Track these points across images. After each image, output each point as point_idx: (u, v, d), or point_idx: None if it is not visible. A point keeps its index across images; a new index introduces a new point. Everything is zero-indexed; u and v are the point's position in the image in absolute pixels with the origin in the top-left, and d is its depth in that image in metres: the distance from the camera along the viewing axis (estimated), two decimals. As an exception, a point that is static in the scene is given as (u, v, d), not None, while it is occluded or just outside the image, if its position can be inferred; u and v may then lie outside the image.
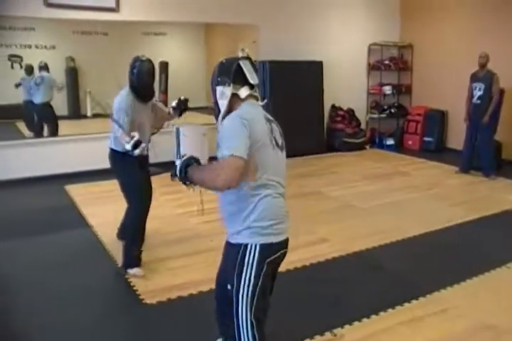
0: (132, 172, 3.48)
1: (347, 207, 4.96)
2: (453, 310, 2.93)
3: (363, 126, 8.33)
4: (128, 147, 3.18)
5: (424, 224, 4.39)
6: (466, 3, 7.44)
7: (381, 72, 8.32)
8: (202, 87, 8.93)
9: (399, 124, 8.54)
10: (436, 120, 7.90)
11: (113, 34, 8.91)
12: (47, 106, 7.16)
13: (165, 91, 9.01)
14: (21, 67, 7.87)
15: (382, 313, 2.87)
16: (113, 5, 6.20)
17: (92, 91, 8.91)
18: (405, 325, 2.76)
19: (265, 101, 2.21)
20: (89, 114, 8.97)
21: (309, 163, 7.02)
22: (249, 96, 2.06)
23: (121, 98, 3.37)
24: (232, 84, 2.03)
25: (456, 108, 7.27)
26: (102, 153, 6.23)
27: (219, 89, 2.06)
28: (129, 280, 3.33)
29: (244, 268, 1.98)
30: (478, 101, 6.09)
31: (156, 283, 3.28)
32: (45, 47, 8.70)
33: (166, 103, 8.71)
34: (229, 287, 2.05)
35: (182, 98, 3.73)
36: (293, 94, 7.27)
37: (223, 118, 2.03)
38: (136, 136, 3.19)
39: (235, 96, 2.04)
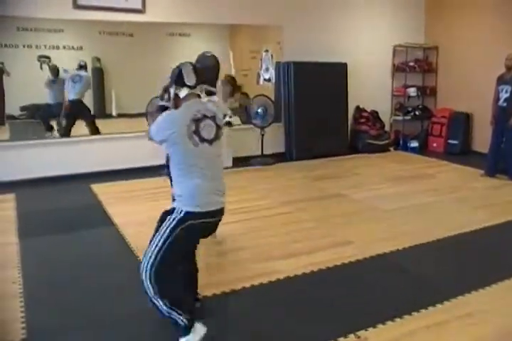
0: None
1: (370, 209, 4.94)
2: (478, 314, 2.90)
3: (387, 128, 8.28)
4: None
5: (449, 227, 4.34)
6: (492, 4, 7.34)
7: (406, 73, 8.25)
8: (225, 87, 8.97)
9: (423, 126, 8.46)
10: (462, 122, 7.80)
11: (138, 35, 8.98)
12: (81, 103, 7.35)
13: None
14: (49, 67, 8.02)
15: (406, 316, 2.85)
16: (139, 6, 6.30)
17: (117, 91, 9.01)
18: (430, 328, 2.74)
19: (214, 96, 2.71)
20: (114, 113, 9.07)
21: (332, 165, 7.00)
22: (190, 95, 2.53)
23: None
24: (174, 86, 2.54)
25: (481, 110, 7.17)
26: (127, 153, 6.42)
27: (169, 90, 2.57)
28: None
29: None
30: (505, 104, 6.00)
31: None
32: (73, 47, 8.81)
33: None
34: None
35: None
36: (317, 96, 7.27)
37: None
38: None
39: (177, 96, 2.54)
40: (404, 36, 8.27)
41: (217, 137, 2.56)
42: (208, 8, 6.70)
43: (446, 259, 3.75)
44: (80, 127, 7.34)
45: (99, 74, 8.69)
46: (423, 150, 8.04)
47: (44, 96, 7.52)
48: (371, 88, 8.07)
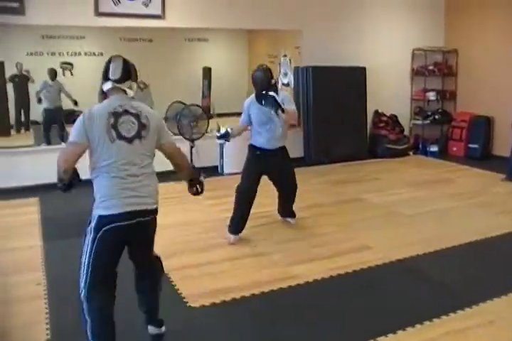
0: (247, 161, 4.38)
1: (390, 214, 4.92)
2: (500, 321, 2.87)
3: (406, 132, 8.23)
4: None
5: (470, 233, 4.31)
6: (514, 7, 7.28)
7: (425, 77, 8.20)
8: (244, 92, 9.02)
9: (443, 131, 8.39)
10: (482, 126, 7.72)
11: (157, 40, 9.12)
12: None
13: (208, 96, 9.17)
14: (71, 74, 8.17)
15: (427, 323, 2.84)
16: (159, 12, 6.37)
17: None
18: (451, 335, 2.73)
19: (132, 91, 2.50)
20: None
21: (351, 169, 6.99)
22: (114, 89, 2.43)
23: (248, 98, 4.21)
24: (101, 80, 2.46)
25: (502, 114, 7.10)
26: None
27: None
28: (173, 283, 3.41)
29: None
30: (527, 108, 5.94)
31: (199, 287, 3.34)
32: (94, 54, 8.99)
33: (208, 108, 8.88)
34: None
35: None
36: (336, 100, 7.27)
37: None
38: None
39: (101, 90, 2.47)
40: (424, 40, 8.23)
41: (139, 136, 2.39)
42: (226, 13, 6.75)
43: (467, 265, 3.72)
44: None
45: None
46: (443, 154, 7.97)
47: (67, 102, 7.61)
48: (390, 92, 8.04)
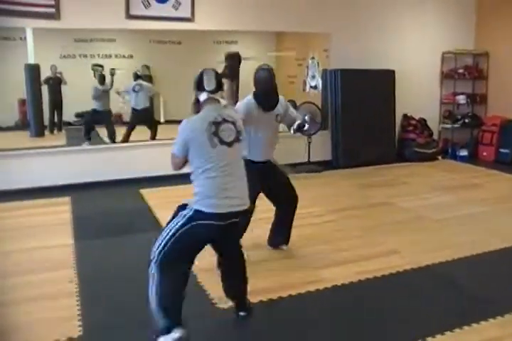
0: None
1: (418, 219, 4.88)
2: (533, 330, 2.82)
3: (435, 136, 8.14)
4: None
5: (500, 239, 4.25)
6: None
7: (455, 80, 8.09)
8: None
9: (473, 135, 8.27)
10: (514, 131, 7.59)
11: (186, 43, 9.21)
12: (148, 111, 7.79)
13: (236, 99, 9.20)
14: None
15: (457, 330, 2.80)
16: (188, 15, 6.43)
17: (165, 98, 9.23)
18: (483, 343, 2.70)
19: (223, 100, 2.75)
20: (162, 119, 9.28)
21: (379, 173, 6.94)
22: (209, 99, 2.66)
23: (244, 101, 3.64)
24: (195, 91, 2.71)
25: (535, 118, 6.96)
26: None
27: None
28: (201, 284, 3.44)
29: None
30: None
31: (228, 288, 3.36)
32: (124, 56, 9.12)
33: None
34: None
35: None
36: (364, 103, 7.24)
37: None
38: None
39: (197, 101, 2.70)
40: (454, 42, 8.13)
41: (237, 140, 2.66)
42: (255, 16, 6.78)
43: (498, 272, 3.66)
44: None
45: (148, 81, 8.94)
46: (472, 159, 7.85)
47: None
48: (419, 95, 7.96)
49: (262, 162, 3.73)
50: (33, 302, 3.19)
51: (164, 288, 2.57)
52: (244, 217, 2.79)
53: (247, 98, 3.67)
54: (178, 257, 2.60)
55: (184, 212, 2.60)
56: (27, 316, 3.01)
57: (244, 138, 2.75)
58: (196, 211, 2.56)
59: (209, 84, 2.65)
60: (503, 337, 2.77)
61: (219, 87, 2.69)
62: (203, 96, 2.67)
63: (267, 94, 3.62)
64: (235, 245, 2.93)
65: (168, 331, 2.58)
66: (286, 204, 3.99)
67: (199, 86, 2.68)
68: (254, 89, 3.68)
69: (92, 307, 3.12)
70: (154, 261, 2.59)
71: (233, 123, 2.66)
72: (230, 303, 3.12)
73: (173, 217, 2.68)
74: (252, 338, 2.84)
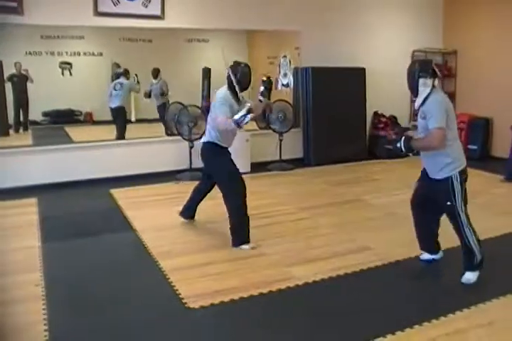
0: (230, 162, 4.06)
1: (389, 215, 4.92)
2: (500, 322, 2.86)
3: (405, 133, 8.23)
4: (241, 113, 3.72)
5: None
6: (514, 8, 7.28)
7: (424, 78, 8.19)
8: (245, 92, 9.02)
9: (442, 131, 8.38)
10: (481, 128, 7.72)
11: (157, 41, 9.11)
12: (119, 111, 7.69)
13: (208, 97, 9.14)
14: (71, 74, 8.17)
15: (426, 323, 2.83)
16: (158, 13, 6.36)
17: (136, 97, 9.12)
18: (450, 336, 2.72)
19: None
20: (133, 119, 9.17)
21: (351, 170, 6.99)
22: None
23: (225, 93, 3.95)
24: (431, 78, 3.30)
25: (501, 115, 7.10)
26: (145, 158, 6.47)
27: (422, 80, 3.30)
28: (172, 284, 3.40)
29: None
30: (526, 109, 5.94)
31: (198, 288, 3.33)
32: (93, 54, 8.98)
33: (208, 108, 8.85)
34: (448, 203, 3.34)
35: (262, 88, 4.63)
36: (335, 101, 7.27)
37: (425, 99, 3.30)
38: (249, 104, 3.83)
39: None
40: (423, 41, 8.24)
41: None
42: (226, 14, 6.74)
43: (466, 266, 3.71)
44: (94, 132, 7.44)
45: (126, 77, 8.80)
46: (442, 155, 7.95)
47: (66, 102, 7.65)
48: (390, 93, 8.03)
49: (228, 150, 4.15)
50: (-3, 307, 3.10)
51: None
52: None
53: (223, 90, 3.99)
54: None
55: (458, 180, 3.44)
56: (-10, 321, 2.93)
57: None
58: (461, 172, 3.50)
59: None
60: (470, 328, 2.81)
61: None
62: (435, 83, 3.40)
63: (248, 86, 4.05)
64: None
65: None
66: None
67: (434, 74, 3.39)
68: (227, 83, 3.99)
69: (60, 311, 3.04)
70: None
71: None
72: (200, 303, 3.10)
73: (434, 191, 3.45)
74: (223, 337, 2.81)
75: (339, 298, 3.22)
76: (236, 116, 3.76)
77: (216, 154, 4.10)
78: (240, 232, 4.01)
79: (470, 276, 3.36)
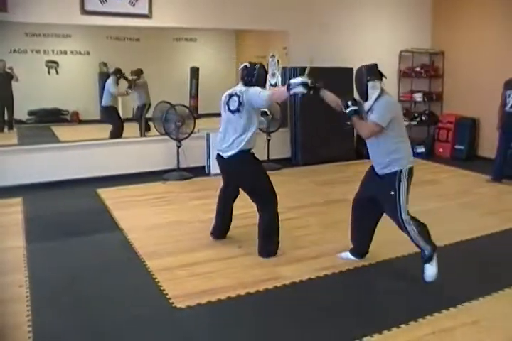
0: (264, 172, 3.96)
1: (376, 215, 4.92)
2: (484, 321, 2.88)
3: (392, 133, 8.26)
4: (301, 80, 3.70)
5: (455, 233, 4.33)
6: (499, 9, 7.34)
7: (412, 79, 8.25)
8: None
9: (430, 132, 8.45)
10: (468, 128, 7.78)
11: (145, 40, 9.08)
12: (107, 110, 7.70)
13: (195, 96, 9.12)
14: (57, 72, 8.09)
15: (412, 323, 2.84)
16: (146, 11, 6.33)
17: (123, 96, 9.07)
18: (436, 335, 2.73)
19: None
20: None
21: (338, 170, 7.00)
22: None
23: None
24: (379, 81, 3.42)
25: (488, 115, 7.15)
26: (132, 158, 6.43)
27: (371, 83, 3.38)
28: (159, 284, 3.38)
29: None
30: (512, 110, 5.99)
31: (185, 288, 3.31)
32: (80, 53, 8.92)
33: (196, 107, 8.83)
34: (392, 193, 3.31)
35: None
36: (323, 101, 7.25)
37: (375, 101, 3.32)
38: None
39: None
40: (411, 41, 8.28)
41: None
42: (214, 14, 6.73)
43: (453, 265, 3.73)
44: (80, 132, 7.37)
45: (106, 79, 8.75)
46: (429, 155, 8.01)
47: (53, 101, 7.59)
48: (377, 93, 8.06)
49: None
50: (-20, 308, 3.06)
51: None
52: None
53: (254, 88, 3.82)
54: None
55: (402, 174, 3.35)
56: (-27, 322, 2.89)
57: None
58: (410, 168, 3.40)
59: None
60: (455, 327, 2.82)
61: None
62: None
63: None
64: None
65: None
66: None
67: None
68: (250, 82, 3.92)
69: (44, 312, 3.01)
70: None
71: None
72: (187, 303, 3.08)
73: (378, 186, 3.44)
74: (210, 337, 2.80)
75: (326, 297, 3.22)
76: (293, 80, 3.68)
77: (252, 163, 3.94)
78: (274, 239, 3.88)
79: (429, 271, 3.36)
